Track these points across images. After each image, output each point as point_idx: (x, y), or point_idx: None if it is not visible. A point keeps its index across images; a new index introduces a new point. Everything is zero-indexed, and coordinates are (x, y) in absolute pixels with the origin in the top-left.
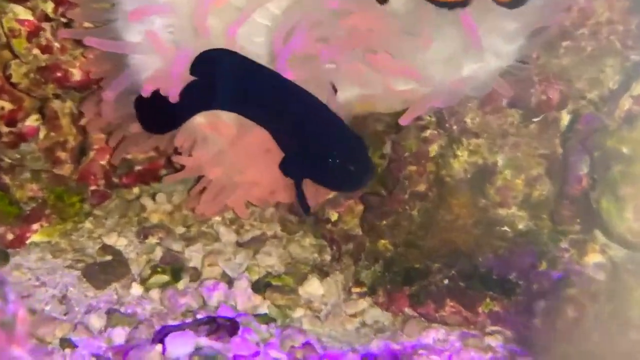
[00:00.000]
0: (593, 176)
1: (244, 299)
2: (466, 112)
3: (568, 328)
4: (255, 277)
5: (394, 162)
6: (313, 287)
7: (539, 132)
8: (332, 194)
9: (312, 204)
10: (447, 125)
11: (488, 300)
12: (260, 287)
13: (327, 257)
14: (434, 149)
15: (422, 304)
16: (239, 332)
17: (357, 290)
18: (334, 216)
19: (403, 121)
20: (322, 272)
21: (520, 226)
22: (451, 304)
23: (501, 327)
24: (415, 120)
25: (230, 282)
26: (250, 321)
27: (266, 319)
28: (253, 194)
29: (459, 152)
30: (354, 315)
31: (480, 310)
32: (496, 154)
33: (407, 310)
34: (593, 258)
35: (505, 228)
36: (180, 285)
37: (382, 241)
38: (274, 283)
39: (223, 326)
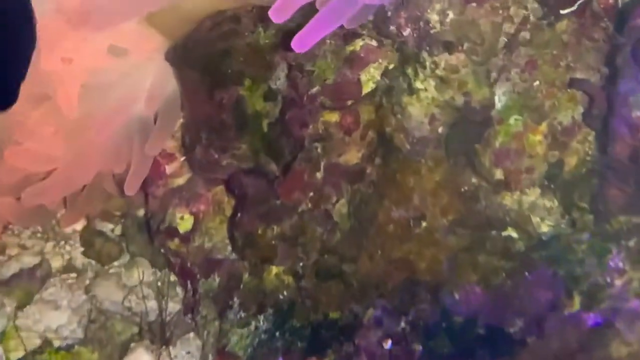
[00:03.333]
0: None
1: None
2: (429, 1)
3: None
4: (17, 354)
5: (292, 107)
6: None
7: (575, 37)
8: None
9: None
10: (392, 28)
11: None
12: None
13: (176, 307)
14: (371, 78)
15: None
16: None
17: None
18: (184, 222)
19: (297, 45)
20: (159, 337)
21: (543, 227)
22: None
23: None
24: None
25: None
26: None
27: None
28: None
29: (418, 84)
30: None
31: None
32: (492, 84)
33: None
34: None
35: (511, 233)
36: None
37: (273, 269)
38: None
39: None
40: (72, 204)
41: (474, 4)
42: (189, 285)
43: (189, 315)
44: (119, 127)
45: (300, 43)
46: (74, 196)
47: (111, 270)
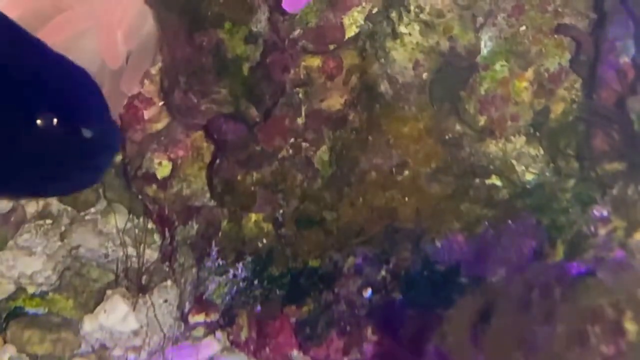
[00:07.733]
0: None
1: None
2: None
3: None
4: None
5: (274, 50)
6: (114, 316)
7: None
8: None
9: None
10: None
11: None
12: None
13: (153, 254)
14: (354, 22)
15: (321, 340)
16: None
17: (200, 317)
18: (162, 168)
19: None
20: (136, 286)
21: (527, 175)
22: (375, 337)
23: None
24: None
25: None
26: None
27: None
28: None
29: (403, 28)
30: None
31: (430, 348)
32: (478, 29)
33: (294, 354)
34: None
35: (494, 181)
36: None
37: (252, 217)
38: (28, 310)
39: None
40: None
41: None
42: (167, 233)
43: (167, 263)
44: (93, 68)
45: (290, 2)
46: None
47: (87, 217)
